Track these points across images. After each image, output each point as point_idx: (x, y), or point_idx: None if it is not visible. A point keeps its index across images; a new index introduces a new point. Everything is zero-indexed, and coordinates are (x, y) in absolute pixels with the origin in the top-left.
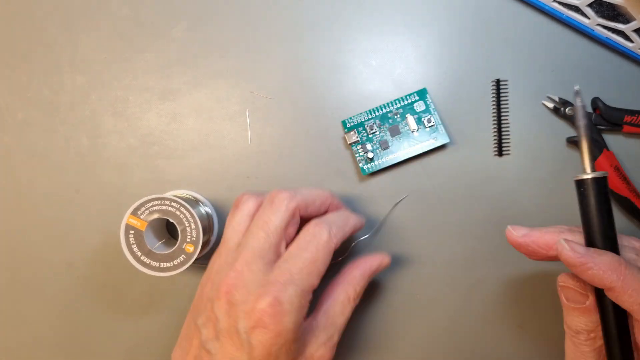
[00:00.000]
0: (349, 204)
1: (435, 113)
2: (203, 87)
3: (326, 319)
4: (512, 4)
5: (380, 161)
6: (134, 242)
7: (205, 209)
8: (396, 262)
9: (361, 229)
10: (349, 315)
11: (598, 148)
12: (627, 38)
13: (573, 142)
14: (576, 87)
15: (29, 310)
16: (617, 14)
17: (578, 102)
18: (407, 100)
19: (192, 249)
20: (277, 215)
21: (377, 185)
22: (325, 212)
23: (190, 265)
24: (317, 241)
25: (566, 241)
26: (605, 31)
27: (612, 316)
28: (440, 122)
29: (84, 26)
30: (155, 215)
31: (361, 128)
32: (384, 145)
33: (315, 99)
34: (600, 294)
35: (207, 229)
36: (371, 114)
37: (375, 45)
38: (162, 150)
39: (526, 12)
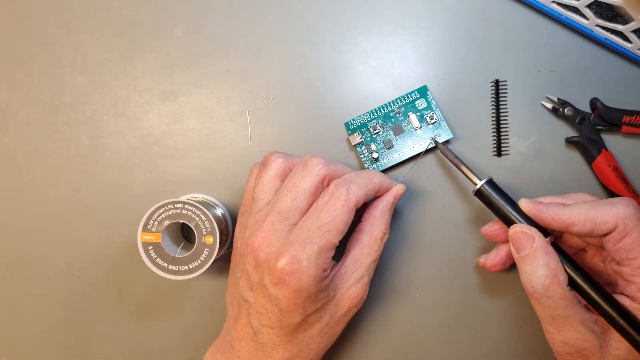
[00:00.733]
0: None
1: (438, 109)
2: (203, 87)
3: (354, 263)
4: (511, 5)
5: (385, 160)
6: (156, 256)
7: (219, 210)
8: (396, 262)
9: (398, 191)
10: (378, 254)
11: (597, 148)
12: (625, 39)
13: (572, 142)
14: (433, 137)
15: (30, 310)
16: (615, 15)
17: (441, 147)
18: (408, 98)
19: (212, 240)
20: (306, 180)
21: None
22: (375, 194)
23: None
24: (335, 200)
25: (525, 199)
26: (604, 32)
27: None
28: (442, 118)
29: (84, 27)
30: (166, 223)
31: (364, 129)
32: (389, 145)
33: (316, 99)
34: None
35: (223, 230)
36: (373, 114)
37: (375, 46)
38: (162, 150)
39: (525, 13)
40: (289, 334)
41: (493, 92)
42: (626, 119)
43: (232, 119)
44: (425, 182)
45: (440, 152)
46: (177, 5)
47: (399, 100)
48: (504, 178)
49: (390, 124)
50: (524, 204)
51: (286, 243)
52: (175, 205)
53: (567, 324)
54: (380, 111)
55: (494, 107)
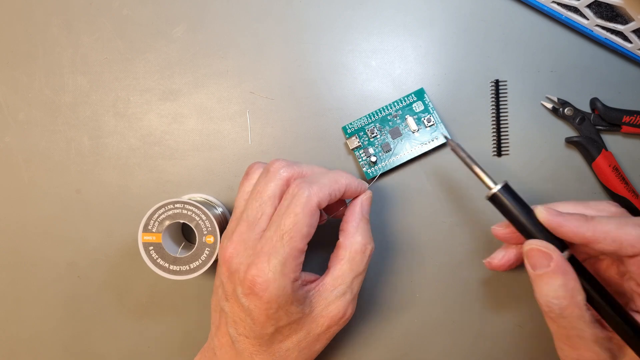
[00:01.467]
0: None
1: (435, 112)
2: (204, 87)
3: (333, 280)
4: (512, 5)
5: (383, 164)
6: (157, 256)
7: (219, 210)
8: (396, 262)
9: (362, 192)
10: (361, 268)
11: (597, 148)
12: (625, 39)
13: (572, 143)
14: (444, 134)
15: (30, 310)
16: (615, 15)
17: (453, 144)
18: (405, 101)
19: (213, 239)
20: (269, 185)
21: (383, 187)
22: (344, 194)
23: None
24: (296, 204)
25: (543, 207)
26: (604, 32)
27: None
28: (440, 121)
29: (84, 27)
30: (166, 223)
31: (362, 133)
32: (386, 148)
33: (316, 100)
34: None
35: (224, 229)
36: (371, 118)
37: (375, 46)
38: (162, 151)
39: (525, 13)
40: (264, 344)
41: (493, 92)
42: (626, 119)
43: (232, 119)
44: (425, 182)
45: (451, 149)
46: (177, 5)
47: (396, 104)
48: (504, 178)
49: (387, 127)
50: (541, 214)
51: (253, 254)
52: (176, 205)
53: (583, 344)
54: (377, 115)
55: (494, 107)
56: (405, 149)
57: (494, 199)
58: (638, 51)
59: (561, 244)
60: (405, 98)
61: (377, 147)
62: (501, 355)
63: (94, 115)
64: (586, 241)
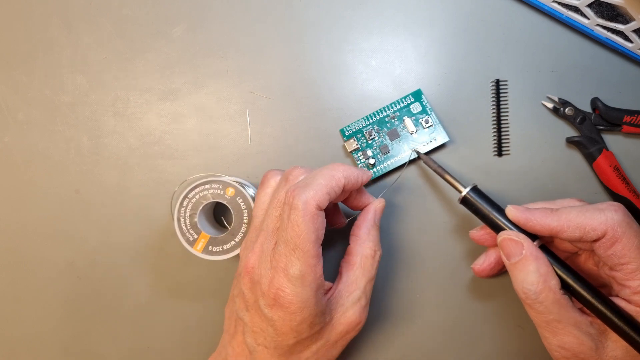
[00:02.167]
0: None
1: (432, 113)
2: (203, 87)
3: (348, 286)
4: (512, 5)
5: (382, 166)
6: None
7: (252, 190)
8: (396, 263)
9: (365, 180)
10: (372, 273)
11: (597, 148)
12: (626, 38)
13: (573, 142)
14: (415, 149)
15: (30, 310)
16: (616, 15)
17: (424, 157)
18: (403, 102)
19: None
20: None
21: (382, 188)
22: (345, 187)
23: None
24: (295, 213)
25: (512, 206)
26: (604, 31)
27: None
28: (438, 122)
29: (84, 26)
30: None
31: (360, 135)
32: (385, 150)
33: (316, 99)
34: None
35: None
36: (368, 120)
37: (375, 46)
38: (162, 150)
39: (526, 13)
40: (283, 355)
41: (493, 92)
42: (627, 118)
43: (232, 118)
44: (426, 182)
45: (423, 162)
46: (177, 5)
47: (393, 105)
48: (505, 178)
49: (385, 129)
50: (511, 212)
51: (272, 268)
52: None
53: (562, 329)
54: (375, 116)
55: (494, 107)
56: (404, 151)
57: (465, 201)
58: (639, 51)
59: (532, 236)
60: (403, 99)
61: (375, 149)
62: (501, 356)
63: (94, 115)
64: (553, 232)
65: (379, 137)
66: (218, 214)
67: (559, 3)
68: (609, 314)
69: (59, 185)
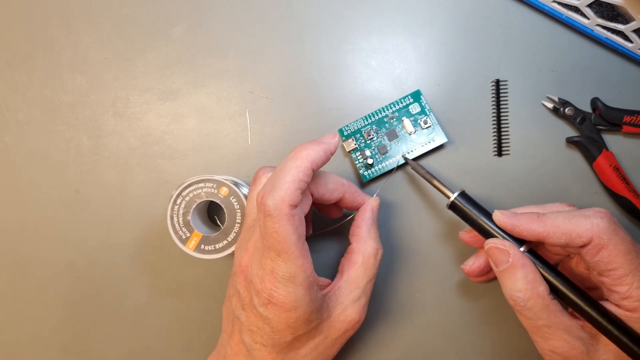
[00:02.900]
0: None
1: (431, 114)
2: (203, 87)
3: (348, 284)
4: (512, 5)
5: (380, 166)
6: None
7: (245, 190)
8: (396, 262)
9: (333, 149)
10: (373, 273)
11: (597, 148)
12: (626, 38)
13: (573, 142)
14: (403, 154)
15: (30, 310)
16: (616, 15)
17: (412, 163)
18: (402, 103)
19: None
20: None
21: (381, 189)
22: (315, 170)
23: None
24: (267, 219)
25: (499, 211)
26: (604, 31)
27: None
28: (437, 123)
29: (84, 26)
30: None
31: (359, 135)
32: (383, 150)
33: (315, 99)
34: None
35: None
36: (367, 120)
37: (375, 46)
38: (162, 150)
39: (526, 13)
40: (281, 352)
41: (493, 92)
42: (627, 118)
43: (232, 118)
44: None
45: (411, 168)
46: (177, 5)
47: (392, 105)
48: (505, 178)
49: (384, 130)
50: (497, 217)
51: (262, 269)
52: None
53: (552, 333)
54: (374, 117)
55: (494, 107)
56: (402, 151)
57: (453, 206)
58: (639, 51)
59: (520, 241)
60: (402, 100)
61: (373, 149)
62: (501, 356)
63: (94, 115)
64: (540, 237)
65: (377, 138)
66: (212, 213)
67: (559, 3)
68: (598, 318)
69: (59, 185)
